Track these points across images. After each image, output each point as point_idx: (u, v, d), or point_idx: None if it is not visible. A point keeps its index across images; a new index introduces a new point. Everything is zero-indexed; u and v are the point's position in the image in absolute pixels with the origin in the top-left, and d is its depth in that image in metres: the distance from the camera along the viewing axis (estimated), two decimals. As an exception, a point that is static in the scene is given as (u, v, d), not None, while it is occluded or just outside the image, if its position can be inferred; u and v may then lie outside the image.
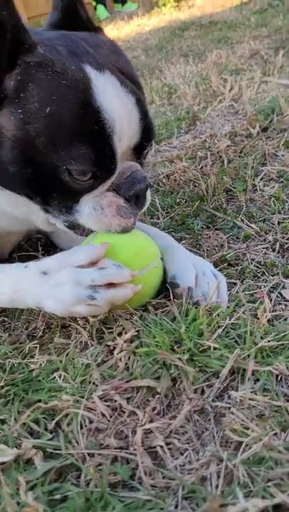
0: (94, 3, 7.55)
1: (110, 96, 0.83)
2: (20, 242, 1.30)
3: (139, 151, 0.95)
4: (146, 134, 0.92)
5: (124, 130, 0.86)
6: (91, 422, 0.78)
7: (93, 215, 0.92)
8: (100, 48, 0.90)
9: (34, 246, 1.32)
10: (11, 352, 0.98)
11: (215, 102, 2.19)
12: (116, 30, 5.61)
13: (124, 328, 0.93)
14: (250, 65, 2.73)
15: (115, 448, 0.73)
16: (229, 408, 0.75)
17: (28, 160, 0.85)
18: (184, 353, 0.83)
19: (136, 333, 0.91)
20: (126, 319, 0.95)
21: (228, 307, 0.94)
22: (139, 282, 0.91)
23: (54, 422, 0.79)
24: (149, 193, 1.00)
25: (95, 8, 7.57)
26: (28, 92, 0.82)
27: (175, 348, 0.84)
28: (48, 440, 0.77)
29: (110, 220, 0.92)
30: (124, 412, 0.78)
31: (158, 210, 1.37)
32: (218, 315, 0.90)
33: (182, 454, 0.71)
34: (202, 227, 1.25)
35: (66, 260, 0.91)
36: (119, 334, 0.92)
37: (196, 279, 0.97)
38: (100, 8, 7.42)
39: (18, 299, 0.97)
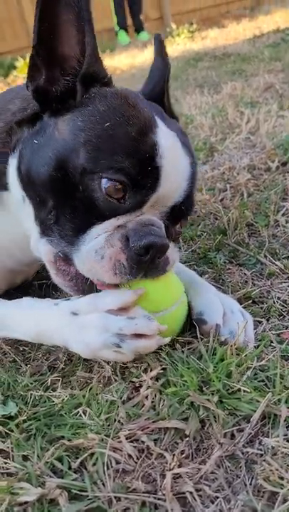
0: (117, 29, 7.69)
1: (169, 143, 0.87)
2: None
3: (173, 216, 0.94)
4: (186, 202, 0.93)
5: (170, 177, 0.87)
6: (118, 462, 0.76)
7: (91, 257, 0.86)
8: (172, 124, 0.96)
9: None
10: (32, 384, 0.96)
11: (232, 135, 2.21)
12: (130, 58, 5.72)
13: (149, 365, 0.92)
14: (266, 99, 2.77)
15: (143, 492, 0.71)
16: (261, 455, 0.73)
17: (63, 164, 0.86)
18: (212, 394, 0.81)
19: (162, 371, 0.90)
20: (151, 355, 0.94)
21: (256, 347, 0.92)
22: (167, 321, 0.91)
23: (79, 461, 0.77)
24: (172, 257, 0.94)
25: (116, 34, 7.70)
26: (96, 107, 0.88)
27: (204, 388, 0.83)
28: (73, 480, 0.75)
29: (102, 273, 0.86)
30: (151, 454, 0.77)
31: (179, 243, 1.36)
32: (246, 355, 0.89)
33: (213, 502, 0.69)
34: (225, 262, 1.25)
35: (96, 303, 0.90)
36: (145, 371, 0.91)
37: (223, 316, 0.97)
38: (122, 33, 7.55)
39: (45, 336, 0.97)
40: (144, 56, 5.66)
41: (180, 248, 1.34)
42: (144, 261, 0.85)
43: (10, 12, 7.46)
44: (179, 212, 0.94)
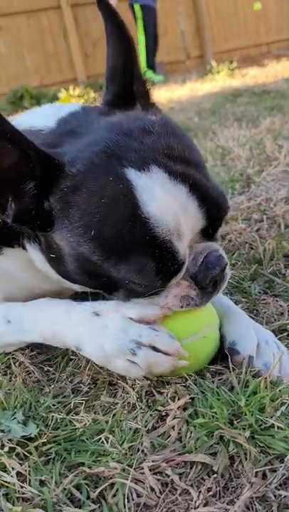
0: (145, 69, 7.69)
1: (158, 198, 0.79)
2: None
3: (211, 229, 0.89)
4: (214, 211, 0.85)
5: (182, 226, 0.80)
6: (139, 496, 0.71)
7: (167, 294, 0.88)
8: (147, 134, 0.85)
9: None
10: (54, 405, 0.93)
11: (269, 167, 2.19)
12: (170, 92, 5.84)
13: (176, 393, 0.87)
14: (305, 134, 2.75)
15: (165, 530, 0.66)
16: (295, 500, 0.67)
17: (90, 273, 0.87)
18: (244, 429, 0.76)
19: (190, 400, 0.85)
20: (179, 383, 0.89)
21: (291, 382, 0.87)
22: (187, 350, 0.87)
23: (98, 490, 0.73)
24: (228, 271, 0.93)
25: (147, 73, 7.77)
26: (71, 218, 0.83)
27: (234, 422, 0.78)
28: (91, 511, 0.70)
29: (170, 304, 0.88)
30: (175, 490, 0.72)
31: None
32: (281, 390, 0.83)
33: None
34: (259, 292, 1.20)
35: (119, 308, 0.91)
36: (172, 399, 0.87)
37: (257, 347, 0.92)
38: (150, 73, 7.56)
39: (60, 336, 0.97)
40: (184, 91, 5.77)
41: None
42: (212, 291, 0.89)
43: (56, 46, 7.79)
44: (214, 223, 0.88)
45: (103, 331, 0.89)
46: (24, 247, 0.98)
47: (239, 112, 3.88)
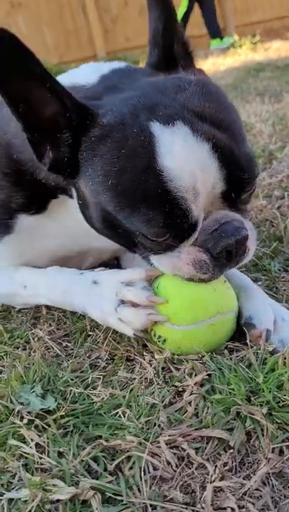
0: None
1: (176, 152, 0.78)
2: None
3: (235, 196, 0.85)
4: (236, 174, 0.82)
5: (198, 184, 0.79)
6: (155, 469, 0.72)
7: (167, 258, 0.88)
8: (181, 92, 0.85)
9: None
10: (72, 380, 0.94)
11: (292, 142, 2.14)
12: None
13: (193, 369, 0.87)
14: None
15: (181, 503, 0.66)
16: (312, 476, 0.67)
17: (108, 222, 0.90)
18: (261, 405, 0.76)
19: (207, 376, 0.85)
20: (196, 360, 0.89)
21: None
22: (189, 336, 0.89)
23: (115, 463, 0.74)
24: (252, 242, 0.90)
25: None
26: (94, 166, 0.86)
27: (252, 398, 0.77)
28: (108, 482, 0.71)
29: (182, 266, 0.87)
30: (192, 464, 0.72)
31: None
32: (299, 367, 0.82)
33: (256, 522, 0.63)
34: (279, 270, 1.18)
35: (116, 275, 0.99)
36: (189, 375, 0.87)
37: (273, 324, 0.91)
38: (217, 42, 7.00)
39: (69, 301, 1.08)
40: (205, 66, 5.64)
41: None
42: (226, 263, 0.87)
43: (76, 23, 7.67)
44: (238, 189, 0.84)
45: (100, 297, 0.99)
46: (71, 195, 1.00)
47: (262, 86, 3.78)
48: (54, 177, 0.96)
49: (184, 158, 0.79)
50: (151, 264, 0.92)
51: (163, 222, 0.80)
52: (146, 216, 0.80)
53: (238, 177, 0.82)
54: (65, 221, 1.09)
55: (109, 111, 0.86)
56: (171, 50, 0.99)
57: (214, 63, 5.81)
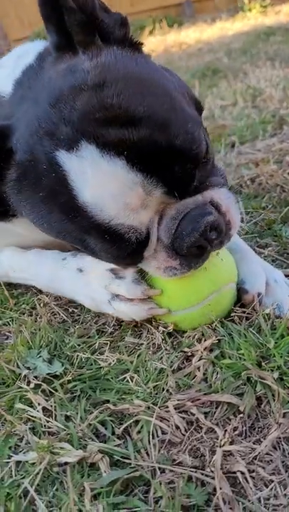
0: None
1: (90, 183, 0.69)
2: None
3: (183, 186, 0.74)
4: (175, 170, 0.70)
5: (129, 203, 0.70)
6: (164, 433, 0.71)
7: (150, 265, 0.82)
8: (79, 93, 0.70)
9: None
10: (79, 345, 0.93)
11: (304, 107, 2.07)
12: (198, 33, 5.54)
13: (203, 334, 0.85)
14: None
15: (190, 466, 0.65)
16: None
17: (66, 240, 0.82)
18: (272, 370, 0.74)
19: (216, 342, 0.83)
20: (205, 325, 0.87)
21: None
22: (187, 318, 0.87)
23: (123, 427, 0.73)
24: (232, 212, 0.80)
25: None
26: (25, 210, 0.80)
27: (262, 364, 0.76)
28: (116, 446, 0.70)
29: (157, 271, 0.82)
30: (200, 428, 0.71)
31: (241, 214, 1.28)
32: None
33: (267, 486, 0.62)
34: (290, 235, 1.15)
35: (100, 263, 0.92)
36: (198, 340, 0.85)
37: (266, 286, 0.89)
38: None
39: (57, 287, 1.05)
40: (213, 31, 5.47)
41: (242, 219, 1.25)
42: (203, 252, 0.78)
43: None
44: (179, 175, 0.71)
45: (88, 288, 0.95)
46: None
47: (272, 51, 3.65)
48: None
49: (100, 186, 0.69)
50: None
51: (114, 250, 0.74)
52: (94, 247, 0.75)
53: (175, 170, 0.70)
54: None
55: (19, 143, 0.75)
56: (63, 25, 0.76)
57: (222, 28, 5.61)
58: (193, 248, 0.76)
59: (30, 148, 0.73)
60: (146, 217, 0.73)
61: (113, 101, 0.68)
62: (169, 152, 0.69)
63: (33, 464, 0.70)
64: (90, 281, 0.95)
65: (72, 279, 0.99)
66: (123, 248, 0.73)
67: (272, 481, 0.62)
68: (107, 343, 0.92)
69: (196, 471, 0.65)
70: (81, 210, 0.70)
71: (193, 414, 0.72)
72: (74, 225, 0.73)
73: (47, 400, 0.80)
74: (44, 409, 0.79)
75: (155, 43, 5.31)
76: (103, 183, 0.69)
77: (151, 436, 0.70)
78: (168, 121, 0.69)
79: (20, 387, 0.83)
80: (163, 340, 0.89)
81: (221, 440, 0.68)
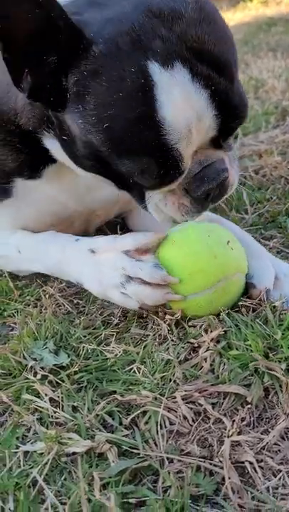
0: None
1: (175, 102, 0.73)
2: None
3: (221, 139, 0.83)
4: (230, 122, 0.80)
5: (193, 135, 0.76)
6: (171, 423, 0.71)
7: (157, 206, 0.89)
8: (178, 19, 0.74)
9: (112, 229, 1.27)
10: (85, 336, 0.93)
11: (307, 99, 2.06)
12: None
13: (209, 325, 0.85)
14: None
15: (198, 456, 0.66)
16: None
17: (99, 161, 0.84)
18: (280, 361, 0.74)
19: (223, 333, 0.83)
20: (211, 316, 0.87)
21: None
22: (193, 304, 0.87)
23: (130, 417, 0.73)
24: (234, 175, 0.89)
25: None
26: (86, 105, 0.77)
27: (270, 355, 0.76)
28: (124, 436, 0.71)
29: (171, 213, 0.89)
30: (208, 418, 0.71)
31: (245, 205, 1.28)
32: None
33: (275, 476, 0.63)
34: (295, 227, 1.15)
35: (115, 243, 0.93)
36: (205, 331, 0.85)
37: (275, 280, 0.90)
38: None
39: (64, 270, 1.03)
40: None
41: (247, 212, 1.25)
42: (207, 202, 0.88)
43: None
44: (226, 131, 0.82)
45: (98, 268, 0.93)
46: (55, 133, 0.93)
47: (274, 41, 3.64)
48: (33, 115, 0.91)
49: (182, 109, 0.74)
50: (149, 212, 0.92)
51: (156, 173, 0.79)
52: (141, 164, 0.78)
53: (230, 124, 0.81)
54: (65, 185, 1.05)
55: (100, 38, 0.74)
56: None
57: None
58: (203, 195, 0.84)
59: (116, 48, 0.73)
60: (191, 153, 0.80)
61: (208, 38, 0.74)
62: (236, 108, 0.78)
63: (41, 454, 0.70)
64: (101, 262, 0.92)
65: (81, 259, 0.97)
66: (168, 173, 0.79)
67: (281, 471, 0.63)
68: (113, 334, 0.92)
69: (204, 461, 0.65)
70: (156, 124, 0.73)
71: (201, 405, 0.72)
72: (138, 136, 0.75)
73: (54, 391, 0.81)
74: (51, 399, 0.79)
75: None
76: (185, 107, 0.74)
77: (159, 426, 0.71)
78: (237, 71, 0.80)
79: (27, 378, 0.83)
80: (169, 331, 0.89)
81: (228, 430, 0.68)
